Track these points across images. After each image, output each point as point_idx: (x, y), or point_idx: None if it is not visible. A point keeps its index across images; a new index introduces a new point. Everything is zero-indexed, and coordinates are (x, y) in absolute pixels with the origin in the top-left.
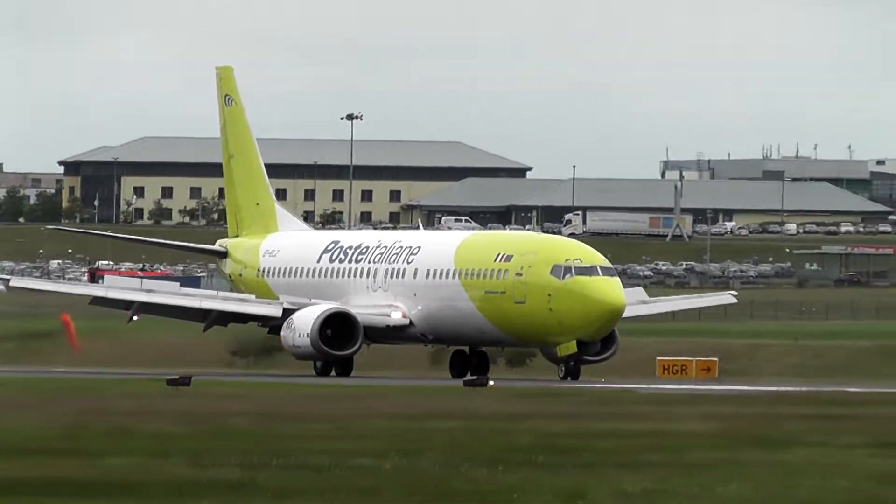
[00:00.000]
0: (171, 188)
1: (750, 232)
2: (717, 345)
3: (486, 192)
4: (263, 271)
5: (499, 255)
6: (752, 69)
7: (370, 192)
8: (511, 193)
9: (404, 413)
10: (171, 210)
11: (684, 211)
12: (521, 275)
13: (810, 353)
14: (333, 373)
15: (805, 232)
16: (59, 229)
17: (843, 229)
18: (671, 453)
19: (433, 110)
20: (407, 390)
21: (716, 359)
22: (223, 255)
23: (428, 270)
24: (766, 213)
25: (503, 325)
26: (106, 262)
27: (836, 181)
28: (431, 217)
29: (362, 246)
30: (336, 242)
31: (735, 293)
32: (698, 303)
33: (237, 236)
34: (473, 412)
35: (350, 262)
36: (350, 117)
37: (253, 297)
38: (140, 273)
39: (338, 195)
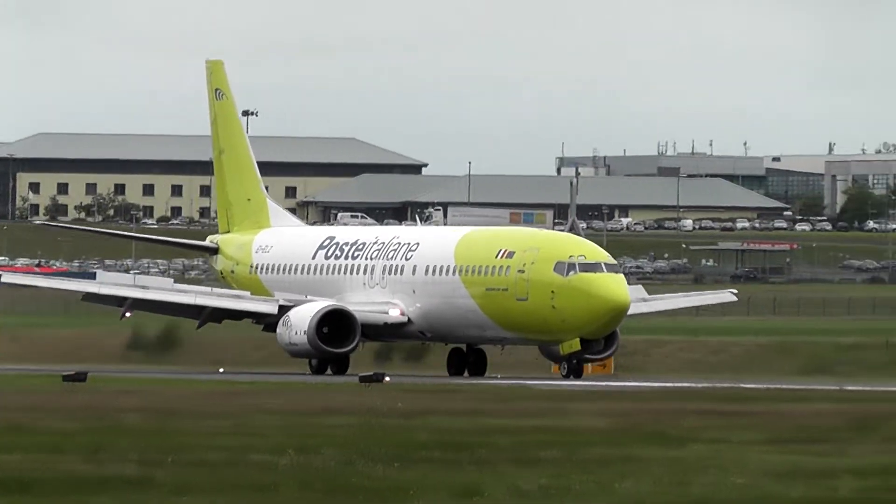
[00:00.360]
0: (66, 184)
1: (646, 228)
2: None
3: (382, 188)
4: (256, 268)
5: (500, 251)
6: (647, 65)
7: (266, 187)
8: (407, 189)
9: (300, 409)
10: (66, 206)
11: (580, 207)
12: (523, 271)
13: (707, 350)
14: (329, 371)
15: (701, 228)
16: (49, 226)
17: (739, 225)
18: (567, 450)
19: (329, 107)
20: (303, 387)
21: None
22: (214, 251)
23: (427, 267)
24: (661, 209)
25: (505, 323)
26: (2, 258)
27: (731, 177)
28: (327, 213)
29: (359, 242)
30: (332, 238)
31: (735, 291)
32: (699, 301)
33: (227, 232)
34: (370, 408)
35: (346, 258)
36: (245, 113)
37: (248, 293)
38: (37, 269)
39: None
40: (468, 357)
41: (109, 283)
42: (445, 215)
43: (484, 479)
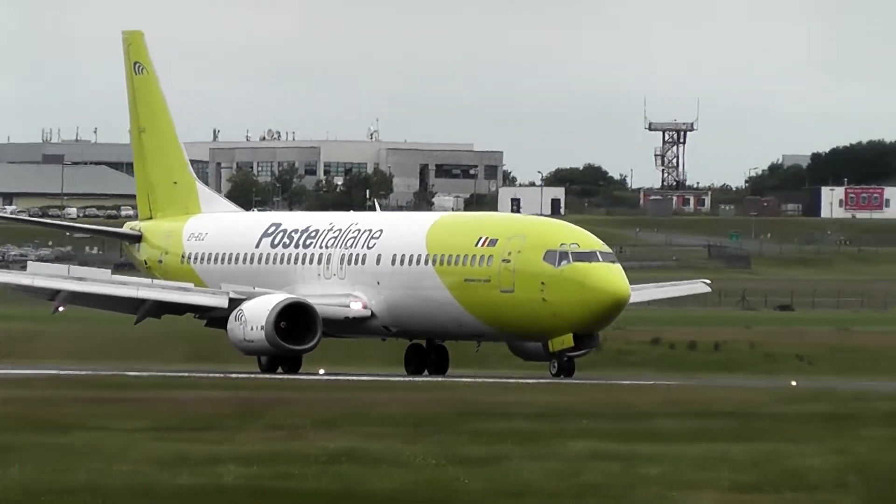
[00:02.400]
0: None
1: (31, 216)
2: None
3: None
4: (189, 257)
5: (481, 238)
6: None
7: None
8: None
9: None
10: None
11: None
12: (508, 261)
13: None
14: (280, 370)
15: (86, 216)
16: None
17: (123, 213)
18: None
19: None
20: None
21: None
22: (136, 239)
23: (394, 256)
24: (46, 196)
25: (486, 317)
26: None
27: (116, 165)
28: None
29: (311, 229)
30: (278, 225)
31: (708, 281)
32: (672, 292)
33: (150, 218)
34: None
35: (297, 246)
36: None
37: (192, 285)
38: None
39: None
40: (429, 354)
41: (43, 274)
42: None
43: None
